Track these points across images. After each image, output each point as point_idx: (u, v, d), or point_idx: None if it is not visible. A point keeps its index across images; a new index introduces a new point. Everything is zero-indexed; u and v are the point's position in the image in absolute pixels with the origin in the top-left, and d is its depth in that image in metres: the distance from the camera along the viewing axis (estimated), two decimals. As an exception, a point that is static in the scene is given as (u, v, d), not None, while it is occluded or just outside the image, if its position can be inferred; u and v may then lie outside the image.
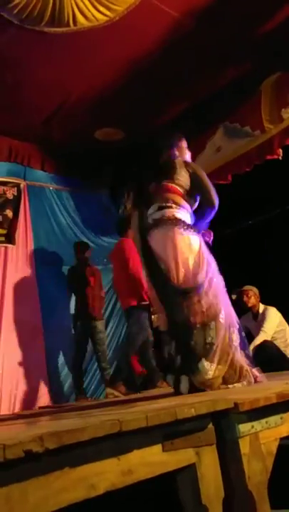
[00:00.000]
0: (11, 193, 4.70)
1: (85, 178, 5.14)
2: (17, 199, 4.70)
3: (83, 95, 4.05)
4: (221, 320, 2.27)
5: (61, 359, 4.51)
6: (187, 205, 2.49)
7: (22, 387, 4.10)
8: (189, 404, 1.32)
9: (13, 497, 0.88)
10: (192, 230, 2.39)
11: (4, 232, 4.53)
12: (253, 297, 4.23)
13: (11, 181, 4.72)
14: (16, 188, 4.73)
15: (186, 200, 2.49)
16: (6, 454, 0.85)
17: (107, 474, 1.09)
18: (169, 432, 1.26)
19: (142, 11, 3.17)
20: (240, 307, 4.31)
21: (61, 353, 4.54)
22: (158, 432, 1.23)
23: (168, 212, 2.41)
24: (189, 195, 2.52)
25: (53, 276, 4.68)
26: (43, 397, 4.18)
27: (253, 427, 1.46)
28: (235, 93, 4.12)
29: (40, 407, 4.00)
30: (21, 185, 4.76)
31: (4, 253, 4.44)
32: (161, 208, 2.43)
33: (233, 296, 4.28)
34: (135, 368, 4.81)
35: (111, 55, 3.63)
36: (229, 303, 2.42)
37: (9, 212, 4.64)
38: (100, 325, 4.40)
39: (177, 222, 2.37)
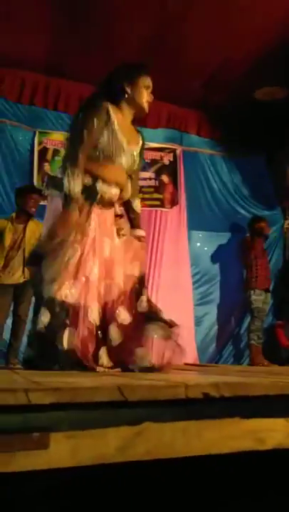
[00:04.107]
0: (167, 159, 4.84)
1: (241, 142, 4.96)
2: (173, 164, 4.82)
3: (245, 53, 3.86)
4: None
5: (209, 321, 4.65)
6: None
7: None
8: None
9: (190, 431, 0.96)
10: None
11: (160, 196, 4.73)
12: None
13: (168, 147, 4.84)
14: (172, 154, 4.85)
15: None
16: (187, 392, 0.92)
17: (275, 433, 1.09)
18: None
19: None
20: None
21: (209, 316, 4.67)
22: None
23: None
24: None
25: (203, 241, 4.76)
26: (190, 356, 4.38)
27: None
28: None
29: (186, 364, 4.20)
30: (177, 151, 4.86)
31: (160, 217, 4.65)
32: None
33: None
34: (281, 340, 4.66)
35: (277, 9, 3.35)
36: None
37: (165, 178, 4.81)
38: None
39: None
